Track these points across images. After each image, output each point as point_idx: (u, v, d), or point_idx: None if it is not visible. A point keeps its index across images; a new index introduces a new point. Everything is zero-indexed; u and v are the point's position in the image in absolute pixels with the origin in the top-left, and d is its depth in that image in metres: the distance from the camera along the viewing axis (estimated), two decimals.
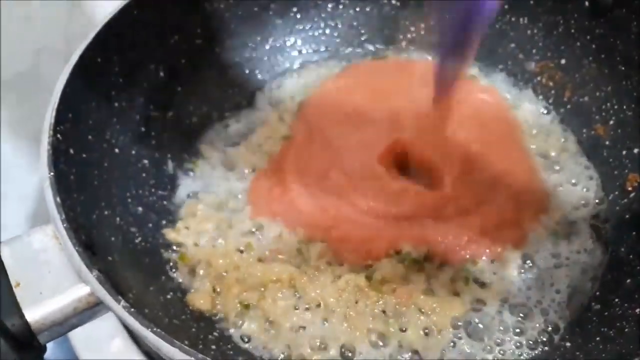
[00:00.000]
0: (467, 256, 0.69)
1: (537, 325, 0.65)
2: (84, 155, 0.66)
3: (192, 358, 0.47)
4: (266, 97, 0.86)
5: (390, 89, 0.84)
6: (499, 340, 0.64)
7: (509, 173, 0.75)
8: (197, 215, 0.74)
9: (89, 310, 0.52)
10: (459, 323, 0.65)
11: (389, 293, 0.66)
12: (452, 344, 0.64)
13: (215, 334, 0.64)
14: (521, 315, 0.66)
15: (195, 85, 0.83)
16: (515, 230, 0.71)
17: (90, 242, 0.57)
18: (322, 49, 0.92)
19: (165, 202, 0.75)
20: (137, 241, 0.69)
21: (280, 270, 0.67)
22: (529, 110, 0.83)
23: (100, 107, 0.71)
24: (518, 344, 0.64)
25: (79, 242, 0.53)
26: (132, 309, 0.48)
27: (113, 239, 0.65)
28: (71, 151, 0.64)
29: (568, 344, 0.64)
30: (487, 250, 0.69)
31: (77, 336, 0.77)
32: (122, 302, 0.48)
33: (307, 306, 0.66)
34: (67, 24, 0.92)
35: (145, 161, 0.76)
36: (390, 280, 0.67)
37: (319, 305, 0.66)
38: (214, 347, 0.62)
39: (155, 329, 0.47)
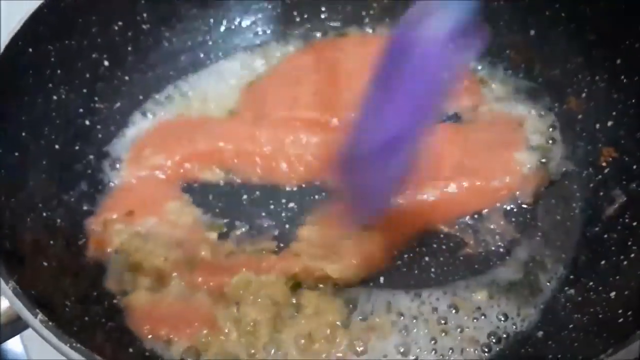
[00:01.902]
0: None
1: (509, 315, 0.62)
2: (17, 155, 0.62)
3: None
4: (219, 83, 0.81)
5: (352, 68, 0.79)
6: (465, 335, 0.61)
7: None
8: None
9: (11, 324, 0.47)
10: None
11: None
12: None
13: None
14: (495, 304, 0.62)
15: (144, 73, 0.79)
16: None
17: (17, 249, 0.53)
18: (281, 28, 0.87)
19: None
20: (81, 243, 0.65)
21: None
22: (500, 87, 0.78)
23: (36, 101, 0.66)
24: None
25: None
26: (50, 323, 0.44)
27: (52, 242, 0.62)
28: None
29: (540, 333, 0.60)
30: None
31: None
32: (40, 316, 0.44)
33: None
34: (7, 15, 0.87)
35: (91, 157, 0.72)
36: None
37: None
38: None
39: (75, 345, 0.42)
